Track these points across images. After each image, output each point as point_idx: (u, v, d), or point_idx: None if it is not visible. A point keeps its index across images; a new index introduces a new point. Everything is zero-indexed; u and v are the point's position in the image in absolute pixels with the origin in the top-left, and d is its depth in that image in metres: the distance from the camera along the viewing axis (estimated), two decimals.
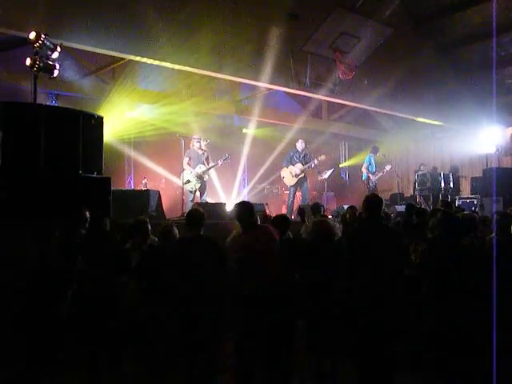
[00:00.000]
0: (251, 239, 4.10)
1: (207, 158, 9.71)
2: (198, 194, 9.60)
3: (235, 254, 4.13)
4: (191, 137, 9.74)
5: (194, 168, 9.41)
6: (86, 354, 4.32)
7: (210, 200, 10.02)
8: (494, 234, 4.27)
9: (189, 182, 9.28)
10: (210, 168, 9.62)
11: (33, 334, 4.21)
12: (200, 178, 9.48)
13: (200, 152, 9.65)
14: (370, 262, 3.69)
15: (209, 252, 4.11)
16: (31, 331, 4.23)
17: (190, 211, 4.72)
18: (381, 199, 4.07)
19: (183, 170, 9.53)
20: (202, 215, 4.34)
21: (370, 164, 11.23)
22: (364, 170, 11.21)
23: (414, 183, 11.82)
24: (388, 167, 11.20)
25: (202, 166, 9.53)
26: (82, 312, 4.25)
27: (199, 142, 9.64)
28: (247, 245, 4.09)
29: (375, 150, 11.51)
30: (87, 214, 4.83)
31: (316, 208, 6.82)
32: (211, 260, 4.07)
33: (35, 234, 4.73)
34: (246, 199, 13.79)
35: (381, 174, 11.19)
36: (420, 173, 11.85)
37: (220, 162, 9.58)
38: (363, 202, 4.06)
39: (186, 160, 9.52)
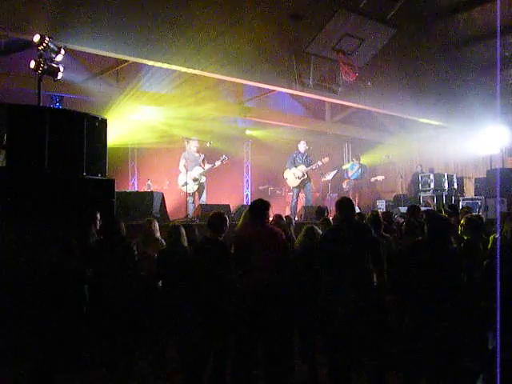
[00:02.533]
0: (259, 231, 4.24)
1: (204, 160, 9.76)
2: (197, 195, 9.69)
3: (240, 241, 4.27)
4: (192, 138, 9.78)
5: (190, 170, 9.45)
6: (101, 354, 4.39)
7: (209, 201, 10.05)
8: (497, 235, 4.27)
9: (186, 184, 9.31)
10: (207, 170, 9.67)
11: (49, 333, 4.22)
12: (197, 180, 9.53)
13: (197, 154, 9.71)
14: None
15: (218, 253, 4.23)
16: (47, 331, 4.25)
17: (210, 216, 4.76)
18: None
19: (179, 172, 9.59)
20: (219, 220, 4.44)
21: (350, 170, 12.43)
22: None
23: (417, 184, 11.80)
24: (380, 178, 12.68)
25: (198, 167, 9.59)
26: (99, 312, 4.32)
27: (196, 144, 9.70)
28: (255, 234, 4.21)
29: (355, 158, 12.78)
30: (98, 216, 4.92)
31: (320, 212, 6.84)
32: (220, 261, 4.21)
33: (43, 235, 4.78)
34: (248, 201, 13.85)
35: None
36: (423, 174, 11.85)
37: (217, 164, 9.63)
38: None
39: (182, 162, 9.58)
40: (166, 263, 4.62)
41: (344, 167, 12.84)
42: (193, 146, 9.76)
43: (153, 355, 4.69)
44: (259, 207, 4.36)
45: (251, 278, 4.08)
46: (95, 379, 4.28)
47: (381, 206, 11.49)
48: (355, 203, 11.78)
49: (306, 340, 4.56)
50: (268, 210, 4.37)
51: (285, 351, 4.21)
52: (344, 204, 4.27)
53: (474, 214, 6.78)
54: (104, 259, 4.42)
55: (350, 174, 12.42)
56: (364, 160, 13.23)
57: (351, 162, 12.78)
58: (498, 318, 2.55)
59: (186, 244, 4.79)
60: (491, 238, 4.54)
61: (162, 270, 4.67)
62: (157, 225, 5.42)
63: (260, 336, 4.09)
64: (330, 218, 6.00)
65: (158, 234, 5.36)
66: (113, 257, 4.41)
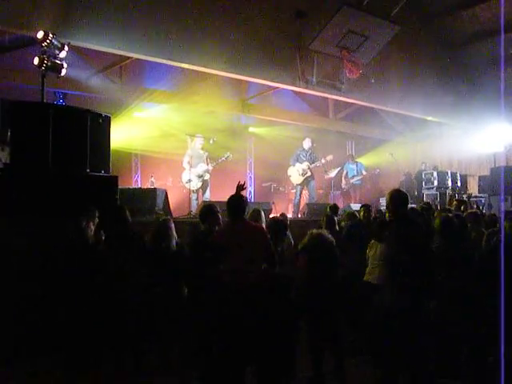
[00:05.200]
0: (237, 233, 4.00)
1: (208, 157, 9.78)
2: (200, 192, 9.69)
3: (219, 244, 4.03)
4: (197, 135, 9.77)
5: (195, 167, 9.46)
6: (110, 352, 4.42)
7: (212, 198, 10.05)
8: (502, 233, 4.26)
9: (190, 181, 9.31)
10: (211, 167, 9.68)
11: (57, 329, 4.25)
12: (201, 177, 9.54)
13: (201, 151, 9.72)
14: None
15: None
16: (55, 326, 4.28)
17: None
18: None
19: (183, 169, 9.60)
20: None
21: (346, 171, 12.81)
22: (343, 177, 12.74)
23: (421, 182, 11.79)
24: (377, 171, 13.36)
25: (202, 164, 9.60)
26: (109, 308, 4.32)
27: (201, 141, 9.71)
28: (233, 238, 3.96)
29: (350, 158, 13.27)
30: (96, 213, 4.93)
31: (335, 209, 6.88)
32: None
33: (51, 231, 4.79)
34: (251, 198, 13.84)
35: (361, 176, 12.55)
36: (426, 171, 11.84)
37: (220, 161, 9.64)
38: None
39: (186, 159, 9.58)
40: (155, 261, 4.55)
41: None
42: (198, 143, 9.76)
43: (160, 351, 4.70)
44: (236, 204, 4.10)
45: (227, 280, 3.83)
46: (102, 376, 4.30)
47: (384, 203, 11.46)
48: (355, 201, 11.85)
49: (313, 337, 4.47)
50: (245, 205, 4.12)
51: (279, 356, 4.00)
52: (394, 197, 3.95)
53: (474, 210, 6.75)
54: (114, 251, 4.42)
55: (348, 174, 12.76)
56: (367, 158, 13.20)
57: (346, 163, 13.05)
58: (503, 315, 2.55)
59: (174, 240, 4.68)
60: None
61: (152, 269, 4.57)
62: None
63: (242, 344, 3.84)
64: None
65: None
66: (122, 248, 4.41)
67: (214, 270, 3.98)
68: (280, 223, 4.73)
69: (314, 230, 4.49)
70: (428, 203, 7.40)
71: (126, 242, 4.45)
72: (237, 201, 4.14)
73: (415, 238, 3.71)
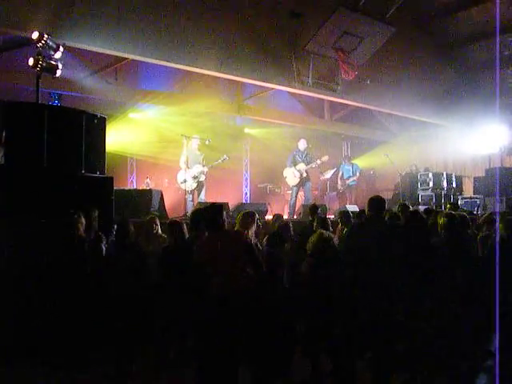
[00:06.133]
0: (216, 244, 3.99)
1: (204, 159, 9.78)
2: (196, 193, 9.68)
3: (201, 259, 4.07)
4: (193, 136, 9.76)
5: (191, 168, 9.44)
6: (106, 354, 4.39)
7: (208, 199, 10.04)
8: (497, 235, 4.27)
9: (185, 181, 9.30)
10: (207, 169, 9.68)
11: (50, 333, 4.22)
12: (196, 178, 9.53)
13: (198, 152, 9.70)
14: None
15: None
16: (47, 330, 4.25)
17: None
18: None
19: (180, 169, 9.59)
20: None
21: (342, 172, 12.66)
22: (338, 178, 12.66)
23: (416, 183, 11.81)
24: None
25: (198, 165, 9.59)
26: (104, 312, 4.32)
27: (197, 142, 9.70)
28: (213, 250, 3.97)
29: (346, 159, 13.07)
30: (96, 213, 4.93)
31: (314, 209, 6.85)
32: None
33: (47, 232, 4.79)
34: (247, 199, 13.85)
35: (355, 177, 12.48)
36: (422, 172, 11.88)
37: (216, 163, 9.64)
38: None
39: (182, 159, 9.56)
40: (172, 261, 4.58)
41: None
42: (194, 143, 9.75)
43: (156, 354, 4.68)
44: (210, 216, 4.10)
45: (214, 288, 3.86)
46: (96, 378, 4.28)
47: None
48: (350, 202, 11.88)
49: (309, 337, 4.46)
50: (219, 213, 4.09)
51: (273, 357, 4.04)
52: (373, 202, 4.30)
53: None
54: (113, 262, 4.42)
55: (344, 175, 12.71)
56: (362, 159, 13.22)
57: (342, 164, 13.00)
58: (498, 316, 2.55)
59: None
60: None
61: (167, 268, 4.60)
62: (158, 222, 5.60)
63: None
64: None
65: (160, 231, 5.48)
66: (122, 261, 4.42)
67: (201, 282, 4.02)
68: (281, 235, 4.82)
69: (324, 231, 4.52)
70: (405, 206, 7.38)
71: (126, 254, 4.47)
72: (211, 212, 4.14)
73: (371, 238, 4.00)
